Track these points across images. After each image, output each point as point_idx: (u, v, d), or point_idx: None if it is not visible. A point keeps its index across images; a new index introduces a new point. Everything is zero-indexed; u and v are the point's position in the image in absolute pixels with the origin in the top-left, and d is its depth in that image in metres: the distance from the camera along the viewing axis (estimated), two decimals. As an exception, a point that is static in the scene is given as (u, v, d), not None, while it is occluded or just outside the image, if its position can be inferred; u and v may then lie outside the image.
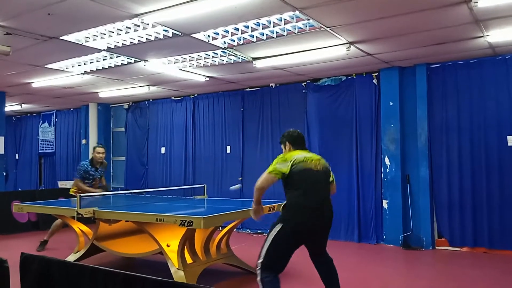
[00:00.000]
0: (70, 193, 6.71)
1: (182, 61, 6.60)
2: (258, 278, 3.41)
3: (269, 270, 3.42)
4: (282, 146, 3.96)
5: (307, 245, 3.72)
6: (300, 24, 4.92)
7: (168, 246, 4.60)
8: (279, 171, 3.56)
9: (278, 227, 3.48)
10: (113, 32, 5.16)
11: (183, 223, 3.92)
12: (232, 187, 5.68)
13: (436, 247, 6.68)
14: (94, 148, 6.96)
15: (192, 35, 5.23)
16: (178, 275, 4.35)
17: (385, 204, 7.00)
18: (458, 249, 6.50)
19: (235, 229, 5.50)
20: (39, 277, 2.19)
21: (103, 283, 1.97)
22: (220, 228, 5.12)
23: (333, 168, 7.50)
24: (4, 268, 2.13)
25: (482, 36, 5.36)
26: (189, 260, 4.55)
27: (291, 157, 3.60)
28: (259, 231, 8.23)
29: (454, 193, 6.54)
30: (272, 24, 4.90)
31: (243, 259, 5.27)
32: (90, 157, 6.97)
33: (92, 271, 2.03)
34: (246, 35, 5.31)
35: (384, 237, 7.00)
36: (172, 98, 9.70)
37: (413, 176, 6.90)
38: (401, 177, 6.89)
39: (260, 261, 3.43)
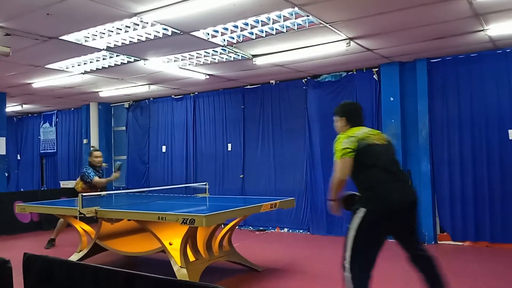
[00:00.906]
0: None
1: (182, 59, 6.60)
2: (347, 275, 3.03)
3: (358, 267, 3.02)
4: (336, 119, 3.54)
5: (397, 234, 3.24)
6: (299, 20, 4.90)
7: (170, 244, 4.61)
8: (349, 148, 3.13)
9: (359, 214, 3.06)
10: (112, 32, 5.15)
11: (185, 221, 3.92)
12: None
13: (438, 242, 6.68)
14: (91, 152, 7.04)
15: (191, 33, 5.22)
16: (181, 273, 4.36)
17: (387, 199, 6.98)
18: (460, 243, 6.50)
19: (237, 227, 5.50)
20: (41, 277, 2.19)
21: (105, 282, 1.97)
22: (222, 225, 5.13)
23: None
24: (7, 268, 2.13)
25: (482, 30, 5.34)
26: (191, 258, 4.56)
27: (353, 133, 3.23)
28: (261, 228, 8.24)
29: (455, 188, 6.54)
30: (271, 21, 4.89)
31: (246, 256, 5.28)
32: (88, 162, 7.00)
33: (95, 270, 2.03)
34: (245, 33, 5.30)
35: (386, 232, 6.98)
36: (173, 96, 9.70)
37: (414, 171, 6.89)
38: (403, 172, 6.88)
39: (346, 261, 3.04)
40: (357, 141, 3.17)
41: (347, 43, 5.66)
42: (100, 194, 6.37)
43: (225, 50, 6.05)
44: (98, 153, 7.02)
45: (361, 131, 3.29)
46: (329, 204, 3.41)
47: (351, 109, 3.54)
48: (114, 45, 5.68)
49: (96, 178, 6.80)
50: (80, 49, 5.85)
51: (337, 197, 3.32)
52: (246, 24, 4.97)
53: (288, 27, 5.11)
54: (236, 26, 5.06)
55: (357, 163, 3.15)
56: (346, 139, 3.18)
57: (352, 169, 3.15)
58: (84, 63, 6.76)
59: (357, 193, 3.33)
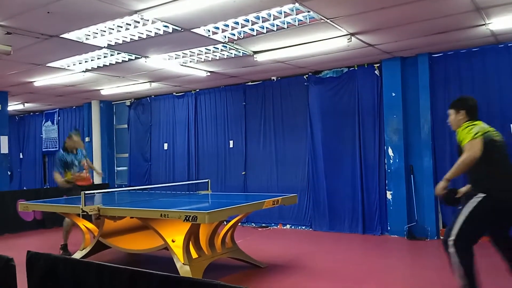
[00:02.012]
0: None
1: (183, 57, 6.59)
2: (451, 251, 3.23)
3: (463, 244, 3.21)
4: (453, 112, 3.63)
5: (501, 225, 3.41)
6: (300, 16, 4.89)
7: (173, 241, 4.62)
8: (479, 132, 3.27)
9: (477, 198, 3.22)
10: (113, 29, 5.15)
11: (187, 218, 3.93)
12: None
13: (441, 237, 6.68)
14: (70, 135, 6.62)
15: (192, 30, 5.21)
16: (184, 270, 4.37)
17: (389, 195, 6.99)
18: (463, 238, 6.49)
19: (239, 223, 5.51)
20: (45, 274, 2.20)
21: (109, 280, 1.98)
22: (224, 222, 5.14)
23: (336, 160, 7.60)
24: (11, 267, 2.14)
25: (484, 24, 5.32)
26: (194, 255, 4.57)
27: (478, 124, 3.38)
28: (263, 224, 8.25)
29: (458, 183, 6.47)
30: (272, 17, 4.88)
31: (248, 253, 5.29)
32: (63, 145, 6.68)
33: (98, 267, 2.04)
34: (246, 29, 5.29)
35: (389, 228, 7.00)
36: (174, 93, 9.70)
37: (416, 166, 6.89)
38: (405, 167, 6.88)
39: (452, 238, 3.22)
40: (484, 132, 3.31)
41: (348, 39, 5.64)
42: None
43: (226, 46, 6.04)
44: (76, 136, 6.61)
45: (484, 124, 3.42)
46: (441, 184, 3.47)
47: (470, 103, 3.59)
48: (115, 42, 5.68)
49: (57, 173, 6.50)
50: (81, 47, 5.84)
51: (452, 178, 3.43)
52: (247, 20, 4.96)
53: (289, 23, 5.09)
54: (236, 23, 5.04)
55: (483, 154, 3.24)
56: (475, 127, 3.30)
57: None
58: (85, 61, 6.76)
59: (457, 190, 3.54)
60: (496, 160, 3.32)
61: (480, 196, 3.22)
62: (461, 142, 3.33)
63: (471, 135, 3.27)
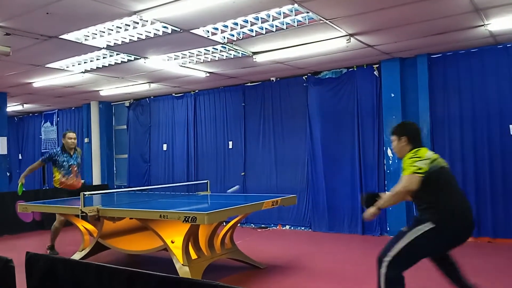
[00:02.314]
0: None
1: (182, 57, 6.60)
2: (383, 271, 3.12)
3: (397, 268, 3.10)
4: (395, 138, 3.46)
5: (445, 249, 3.35)
6: (299, 17, 4.90)
7: (172, 242, 4.61)
8: (423, 168, 3.13)
9: (426, 227, 3.09)
10: (112, 30, 5.15)
11: (186, 219, 3.93)
12: (230, 190, 5.52)
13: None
14: (65, 134, 6.64)
15: (191, 31, 5.21)
16: (183, 271, 4.37)
17: (388, 195, 6.98)
18: (462, 239, 6.49)
19: (239, 224, 5.51)
20: (44, 275, 2.20)
21: (108, 281, 1.98)
22: (224, 223, 5.13)
23: (336, 161, 7.60)
24: (10, 268, 2.14)
25: (483, 25, 5.33)
26: (193, 255, 4.57)
27: (424, 155, 3.22)
28: (263, 225, 8.25)
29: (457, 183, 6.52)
30: (271, 18, 4.88)
31: (248, 254, 5.29)
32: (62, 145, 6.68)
33: (97, 268, 2.04)
34: (245, 30, 5.29)
35: (388, 228, 7.00)
36: (173, 94, 9.69)
37: (416, 167, 6.88)
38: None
39: (388, 259, 3.11)
40: (430, 163, 3.18)
41: (347, 40, 5.64)
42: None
43: (225, 47, 6.04)
44: (72, 134, 6.60)
45: (429, 153, 3.28)
46: (370, 210, 3.38)
47: (412, 128, 3.46)
48: (114, 43, 5.68)
49: (37, 163, 6.63)
50: (80, 48, 5.84)
51: (386, 206, 3.39)
52: (246, 21, 4.96)
53: (288, 24, 5.10)
54: (236, 24, 5.05)
55: (430, 185, 3.15)
56: (420, 160, 3.16)
57: (424, 190, 3.13)
58: (84, 62, 6.75)
59: (379, 194, 3.47)
60: (445, 190, 3.20)
61: (427, 225, 3.09)
62: (402, 172, 3.22)
63: (413, 168, 3.13)
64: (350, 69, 7.48)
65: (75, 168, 6.60)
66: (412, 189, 3.12)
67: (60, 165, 6.47)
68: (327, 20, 4.95)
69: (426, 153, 3.25)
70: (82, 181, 6.89)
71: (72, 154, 6.58)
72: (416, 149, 3.29)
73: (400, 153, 3.43)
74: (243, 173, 8.59)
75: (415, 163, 3.15)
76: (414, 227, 3.15)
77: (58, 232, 6.49)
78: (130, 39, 5.52)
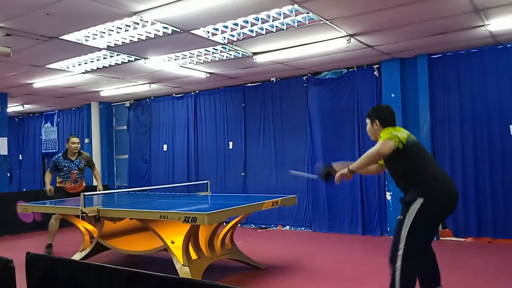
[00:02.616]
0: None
1: (182, 58, 6.60)
2: (397, 274, 3.02)
3: (412, 257, 3.04)
4: (368, 121, 3.51)
5: (442, 219, 3.41)
6: (299, 17, 4.90)
7: (172, 242, 4.61)
8: (399, 137, 3.14)
9: (416, 205, 3.07)
10: (112, 31, 5.16)
11: (187, 219, 3.93)
12: (296, 173, 5.19)
13: (441, 238, 6.68)
14: (68, 138, 6.77)
15: (191, 31, 5.22)
16: (183, 271, 4.37)
17: (388, 196, 7.00)
18: (463, 239, 6.50)
19: (239, 224, 5.51)
20: (44, 276, 2.20)
21: (108, 281, 1.97)
22: (224, 223, 5.13)
23: (336, 161, 7.55)
24: (10, 268, 2.14)
25: (483, 25, 5.33)
26: (194, 256, 4.57)
27: (399, 129, 3.31)
28: (263, 225, 8.25)
29: (457, 184, 6.50)
30: (271, 19, 4.88)
31: (248, 254, 5.29)
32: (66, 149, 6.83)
33: (97, 269, 2.04)
34: (245, 30, 5.30)
35: (389, 229, 7.00)
36: (174, 95, 9.70)
37: (416, 167, 6.88)
38: (404, 168, 6.88)
39: (400, 252, 3.03)
40: (407, 136, 3.22)
41: (348, 40, 5.65)
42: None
43: (225, 48, 6.05)
44: (75, 139, 6.70)
45: (404, 130, 3.34)
46: (344, 172, 3.38)
47: (386, 113, 3.46)
48: (115, 44, 5.68)
49: (48, 172, 6.71)
50: (81, 49, 5.85)
51: (358, 170, 3.39)
52: (246, 21, 4.97)
53: (288, 24, 5.10)
54: (236, 24, 5.05)
55: (410, 157, 3.18)
56: (397, 132, 3.22)
57: (398, 160, 3.17)
58: (85, 63, 6.76)
59: (332, 167, 3.51)
60: (426, 158, 3.27)
61: (418, 202, 3.07)
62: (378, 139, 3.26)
63: (389, 136, 3.16)
64: (350, 70, 7.49)
65: (75, 174, 6.67)
66: (385, 153, 3.12)
67: (60, 170, 6.63)
68: (327, 20, 4.96)
69: (401, 129, 3.35)
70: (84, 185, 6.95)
71: (74, 159, 6.68)
72: (393, 127, 3.37)
73: (373, 135, 3.47)
74: (243, 174, 8.59)
75: (392, 133, 3.19)
76: (406, 210, 3.12)
77: (55, 228, 6.54)
78: (130, 40, 5.52)
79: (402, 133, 3.22)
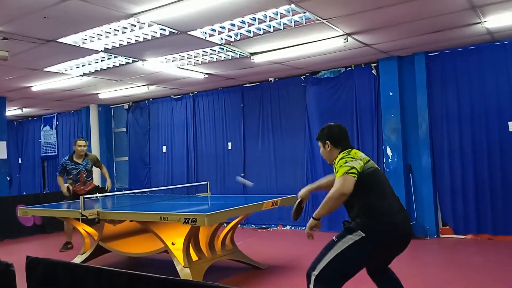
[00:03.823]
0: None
1: (180, 59, 6.60)
2: (311, 286, 2.86)
3: (325, 284, 2.82)
4: (320, 144, 3.24)
5: (379, 259, 3.04)
6: (296, 17, 4.90)
7: (173, 244, 4.61)
8: (356, 168, 2.87)
9: (354, 237, 2.81)
10: (109, 33, 5.16)
11: (187, 220, 3.93)
12: (241, 180, 5.16)
13: (441, 236, 6.69)
14: (75, 141, 6.94)
15: (188, 32, 5.22)
16: (184, 272, 4.37)
17: (388, 194, 6.99)
18: (463, 236, 6.50)
19: (239, 225, 5.51)
20: (44, 279, 2.20)
21: (108, 284, 1.98)
22: (224, 224, 5.13)
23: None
24: (10, 272, 2.14)
25: (480, 22, 5.33)
26: (194, 257, 4.57)
27: (357, 155, 2.99)
28: (263, 226, 8.25)
29: (456, 181, 6.54)
30: (268, 19, 4.89)
31: (249, 255, 5.29)
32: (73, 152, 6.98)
33: (97, 271, 2.04)
34: (242, 31, 5.30)
35: (389, 227, 7.00)
36: (172, 96, 9.70)
37: (415, 165, 6.90)
38: (403, 166, 6.89)
39: (315, 272, 2.83)
40: (364, 164, 2.95)
41: (345, 39, 5.65)
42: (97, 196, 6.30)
43: (223, 48, 6.05)
44: (81, 142, 6.83)
45: (362, 154, 3.06)
46: (310, 223, 3.16)
47: (336, 132, 3.19)
48: (112, 46, 5.68)
49: (59, 177, 6.77)
50: (78, 51, 5.85)
51: (325, 214, 3.04)
52: (243, 22, 4.97)
53: (285, 24, 5.10)
54: (233, 25, 5.05)
55: (362, 187, 2.88)
56: (352, 161, 2.92)
57: (355, 192, 2.85)
58: (83, 65, 6.76)
59: (302, 201, 3.36)
60: (378, 194, 2.92)
61: (357, 235, 2.80)
62: (335, 174, 2.95)
63: (345, 169, 2.86)
64: (348, 68, 7.49)
65: (84, 175, 6.78)
66: (347, 192, 2.82)
67: (69, 172, 6.75)
68: (324, 20, 4.96)
69: (358, 153, 3.03)
70: (96, 185, 7.09)
71: (81, 161, 6.79)
72: (347, 150, 3.04)
73: (329, 159, 3.19)
74: (242, 174, 8.59)
75: (347, 163, 2.89)
76: (343, 236, 2.86)
77: (71, 228, 6.64)
78: (128, 42, 5.52)
79: (358, 162, 2.93)
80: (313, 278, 2.84)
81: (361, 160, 2.96)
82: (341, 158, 2.96)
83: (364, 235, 2.79)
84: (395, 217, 2.89)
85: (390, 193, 3.01)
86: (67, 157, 6.91)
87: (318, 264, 2.85)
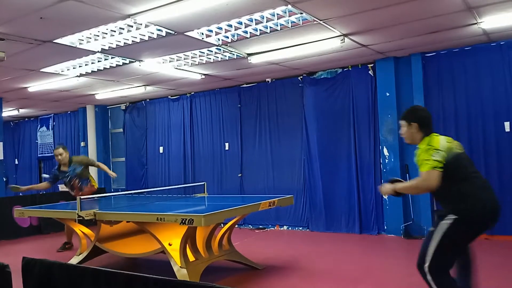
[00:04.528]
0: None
1: (177, 60, 6.60)
2: (429, 279, 3.00)
3: (440, 271, 3.00)
4: (405, 123, 3.29)
5: (473, 237, 3.20)
6: (293, 18, 4.91)
7: (170, 245, 4.61)
8: (439, 161, 2.98)
9: (448, 221, 2.99)
10: (106, 34, 5.15)
11: (183, 221, 3.93)
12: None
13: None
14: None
15: (185, 33, 5.22)
16: (181, 273, 4.37)
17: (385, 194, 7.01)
18: (460, 236, 6.51)
19: (236, 225, 5.51)
20: (41, 280, 2.20)
21: (105, 285, 1.98)
22: (221, 225, 5.13)
23: (332, 161, 7.62)
24: (6, 273, 2.14)
25: (476, 23, 5.36)
26: (191, 258, 4.57)
27: (438, 144, 3.07)
28: (260, 226, 8.25)
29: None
30: (265, 19, 4.89)
31: (246, 255, 5.29)
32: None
33: (93, 272, 2.04)
34: (239, 31, 5.30)
35: (385, 227, 7.02)
36: (169, 97, 9.69)
37: (412, 165, 6.90)
38: (400, 167, 6.91)
39: (427, 264, 3.00)
40: (446, 153, 3.04)
41: (342, 40, 5.66)
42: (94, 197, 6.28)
43: (220, 49, 6.05)
44: (56, 151, 6.67)
45: (443, 141, 3.14)
46: (387, 187, 3.32)
47: (423, 115, 3.28)
48: (109, 47, 5.67)
49: (44, 183, 6.90)
50: (75, 52, 5.84)
51: (403, 193, 3.32)
52: (240, 23, 4.98)
53: (282, 25, 5.11)
54: (230, 25, 5.06)
55: (447, 175, 3.00)
56: (436, 153, 3.01)
57: (441, 181, 2.99)
58: (79, 66, 6.75)
59: (400, 179, 3.40)
60: (463, 178, 3.07)
61: (450, 218, 3.00)
62: (419, 166, 3.07)
63: (431, 163, 2.98)
64: (345, 69, 7.50)
65: (76, 182, 6.69)
66: (433, 187, 2.99)
67: (63, 182, 6.77)
68: (321, 20, 4.97)
69: (440, 142, 3.11)
70: (96, 187, 7.01)
71: (67, 168, 6.64)
72: (429, 138, 3.14)
73: (410, 139, 3.29)
74: (240, 174, 8.60)
75: (432, 157, 3.00)
76: (438, 224, 3.05)
77: (72, 228, 6.43)
78: (124, 43, 5.52)
79: (441, 153, 3.03)
80: (426, 270, 3.01)
81: (443, 150, 3.05)
82: (425, 151, 3.06)
83: (456, 217, 2.98)
84: (482, 196, 3.07)
85: (473, 173, 3.15)
86: (56, 166, 6.77)
87: (426, 256, 3.02)
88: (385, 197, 3.44)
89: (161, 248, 4.65)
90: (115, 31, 5.07)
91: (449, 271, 3.03)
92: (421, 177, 3.03)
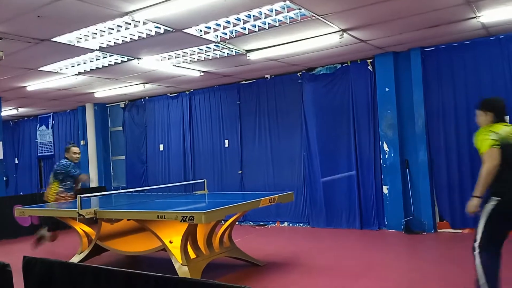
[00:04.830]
0: (48, 200, 6.34)
1: (175, 57, 6.58)
2: (477, 261, 3.37)
3: (488, 250, 3.35)
4: (481, 113, 3.57)
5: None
6: (291, 14, 4.89)
7: (171, 242, 4.62)
8: (496, 140, 3.32)
9: (491, 204, 3.35)
10: (104, 32, 5.14)
11: (184, 218, 3.93)
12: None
13: (438, 230, 6.71)
14: (69, 148, 6.48)
15: (183, 30, 5.20)
16: (182, 270, 4.37)
17: (385, 190, 7.02)
18: (460, 231, 6.53)
19: (237, 222, 5.52)
20: (42, 279, 2.20)
21: (105, 283, 1.98)
22: (222, 222, 5.14)
23: (332, 156, 7.61)
24: (7, 272, 2.14)
25: (475, 17, 5.34)
26: (192, 255, 4.57)
27: (497, 130, 3.38)
28: (261, 223, 8.26)
29: (453, 176, 6.56)
30: (263, 16, 4.88)
31: (247, 252, 5.30)
32: (65, 157, 6.51)
33: (94, 271, 2.04)
34: (238, 28, 5.28)
35: (386, 222, 7.03)
36: (168, 94, 9.68)
37: (412, 160, 6.91)
38: (400, 162, 6.91)
39: (476, 244, 3.39)
40: (501, 138, 3.33)
41: (340, 35, 5.65)
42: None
43: (219, 46, 6.04)
44: (76, 149, 6.48)
45: (503, 130, 3.41)
46: (472, 202, 3.46)
47: (499, 106, 3.56)
48: (107, 45, 5.66)
49: (57, 184, 6.34)
50: (73, 50, 5.82)
51: (483, 192, 3.44)
52: (238, 19, 4.96)
53: (281, 21, 5.09)
54: (228, 22, 5.04)
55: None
56: (493, 134, 3.34)
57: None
58: (78, 64, 6.73)
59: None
60: (505, 165, 3.34)
61: (494, 200, 3.33)
62: (478, 150, 3.41)
63: (488, 142, 3.32)
64: (344, 65, 7.49)
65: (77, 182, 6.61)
66: (497, 163, 3.28)
67: (66, 179, 6.38)
68: (319, 16, 4.95)
69: (500, 128, 3.39)
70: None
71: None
72: (490, 125, 3.45)
73: (482, 124, 3.57)
74: (240, 171, 8.59)
75: (488, 136, 3.33)
76: (484, 207, 3.35)
77: (46, 239, 6.44)
78: (122, 40, 5.50)
79: (496, 134, 3.33)
80: (476, 246, 3.39)
81: (500, 134, 3.35)
82: (483, 131, 3.41)
83: (499, 198, 3.32)
84: None
85: None
86: (67, 161, 6.38)
87: (477, 235, 3.40)
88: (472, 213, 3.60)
89: (162, 245, 4.65)
90: (113, 29, 5.05)
91: (497, 250, 3.35)
92: (484, 157, 3.34)
